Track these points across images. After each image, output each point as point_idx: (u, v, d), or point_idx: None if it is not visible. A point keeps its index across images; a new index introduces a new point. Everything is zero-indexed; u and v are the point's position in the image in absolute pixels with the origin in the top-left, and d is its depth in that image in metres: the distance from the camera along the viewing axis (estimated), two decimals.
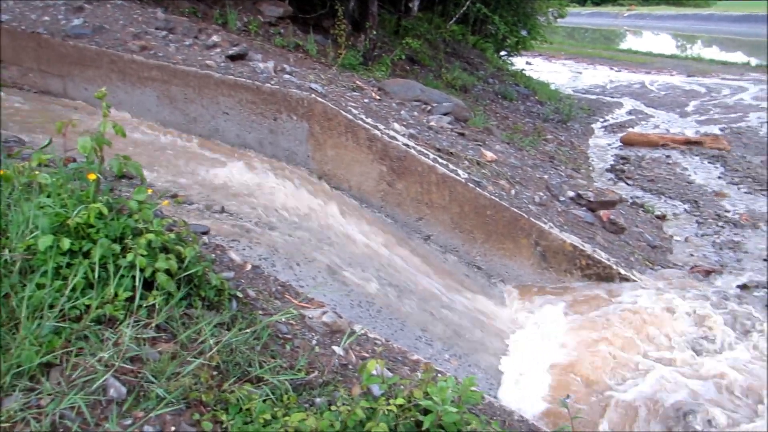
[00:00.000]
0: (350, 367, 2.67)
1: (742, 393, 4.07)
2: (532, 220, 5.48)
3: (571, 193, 6.66)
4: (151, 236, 2.36)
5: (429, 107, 7.73)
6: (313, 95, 5.82)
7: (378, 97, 7.16)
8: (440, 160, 5.73)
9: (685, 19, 52.86)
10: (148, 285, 2.31)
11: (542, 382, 4.13)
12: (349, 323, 3.01)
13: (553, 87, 17.08)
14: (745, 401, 4.02)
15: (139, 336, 2.11)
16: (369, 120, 5.90)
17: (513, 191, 5.96)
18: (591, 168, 10.07)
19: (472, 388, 2.39)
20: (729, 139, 11.74)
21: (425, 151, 5.78)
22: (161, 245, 2.41)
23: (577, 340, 4.59)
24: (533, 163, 7.70)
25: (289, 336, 2.72)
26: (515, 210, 5.50)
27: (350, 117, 5.73)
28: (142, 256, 2.27)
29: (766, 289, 5.64)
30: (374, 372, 2.39)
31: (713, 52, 30.99)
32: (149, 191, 2.50)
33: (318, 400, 2.29)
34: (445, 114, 7.63)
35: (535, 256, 5.52)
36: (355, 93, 6.80)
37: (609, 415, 3.84)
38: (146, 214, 2.45)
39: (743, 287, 5.58)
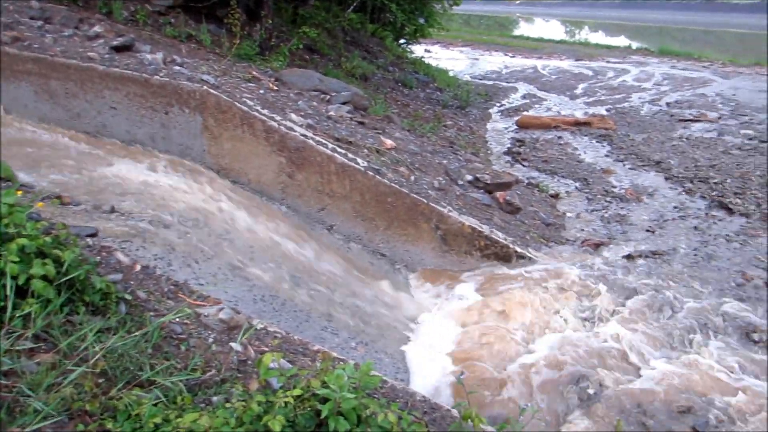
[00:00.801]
0: (249, 362, 2.64)
1: (627, 354, 4.37)
2: (432, 204, 5.60)
3: (469, 177, 6.86)
4: (23, 241, 2.21)
5: (328, 97, 7.70)
6: (206, 87, 5.65)
7: (275, 88, 7.05)
8: (339, 150, 5.73)
9: (573, 6, 55.94)
10: (23, 293, 2.17)
11: (447, 361, 4.25)
12: (247, 318, 2.96)
13: (451, 74, 17.49)
14: (628, 363, 4.32)
15: (13, 348, 1.98)
16: (265, 111, 5.80)
17: (413, 177, 6.06)
18: (489, 151, 10.40)
19: (371, 373, 2.43)
20: (614, 118, 12.49)
21: (324, 141, 5.76)
22: (36, 250, 2.26)
23: (479, 318, 4.75)
24: (433, 149, 7.86)
25: (183, 336, 2.64)
26: (415, 196, 5.60)
27: (245, 108, 5.61)
28: (14, 262, 2.13)
29: (650, 258, 6.05)
30: (271, 365, 2.37)
31: (599, 37, 32.88)
32: (18, 193, 2.34)
33: (215, 398, 2.24)
34: (344, 103, 7.62)
35: (436, 240, 5.65)
36: (250, 84, 6.66)
37: (509, 386, 4.01)
38: (18, 218, 2.30)
39: (628, 257, 5.97)
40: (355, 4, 13.62)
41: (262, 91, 6.54)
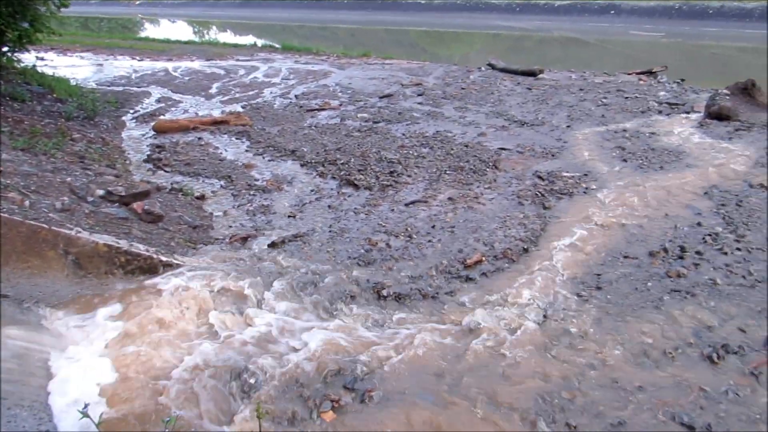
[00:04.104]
0: None
1: (281, 336, 4.61)
2: (56, 229, 5.02)
3: (100, 192, 6.36)
4: None
5: None
6: None
7: None
8: None
9: (196, 6, 56.23)
10: None
11: (94, 394, 3.89)
12: None
13: (73, 82, 15.90)
14: (283, 343, 4.56)
15: None
16: None
17: (28, 202, 5.34)
18: (128, 161, 9.82)
19: None
20: (250, 114, 12.96)
21: None
22: None
23: (127, 338, 4.46)
24: (54, 167, 7.07)
25: None
26: (32, 222, 4.94)
27: None
28: None
29: (293, 242, 6.44)
30: None
31: (227, 36, 33.73)
32: None
33: None
34: None
35: (68, 267, 5.10)
36: None
37: (168, 402, 3.86)
38: None
39: (273, 245, 6.28)
40: None
41: None
